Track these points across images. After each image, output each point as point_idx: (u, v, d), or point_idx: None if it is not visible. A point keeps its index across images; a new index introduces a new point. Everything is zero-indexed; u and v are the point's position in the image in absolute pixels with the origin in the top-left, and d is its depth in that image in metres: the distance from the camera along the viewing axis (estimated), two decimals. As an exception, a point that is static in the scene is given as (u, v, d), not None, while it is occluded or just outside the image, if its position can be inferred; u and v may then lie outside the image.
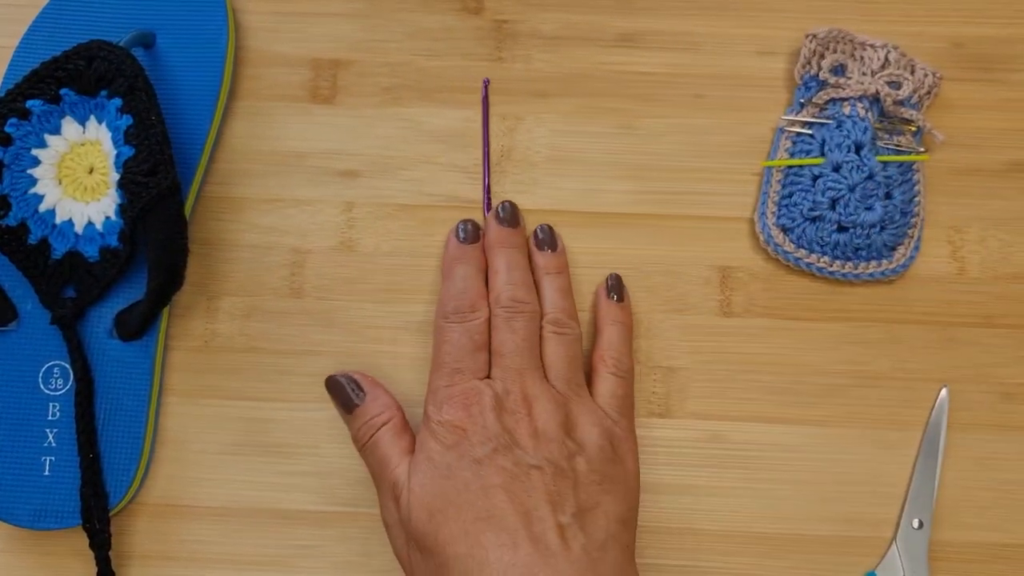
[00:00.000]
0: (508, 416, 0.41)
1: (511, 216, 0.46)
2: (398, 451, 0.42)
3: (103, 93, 0.45)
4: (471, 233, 0.46)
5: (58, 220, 0.45)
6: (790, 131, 0.49)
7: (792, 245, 0.47)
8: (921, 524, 0.44)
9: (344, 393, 0.44)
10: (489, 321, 0.43)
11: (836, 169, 0.47)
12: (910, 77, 0.48)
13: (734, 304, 0.47)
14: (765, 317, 0.47)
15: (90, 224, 0.45)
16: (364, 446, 0.43)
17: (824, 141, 0.47)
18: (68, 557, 0.44)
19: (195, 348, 0.47)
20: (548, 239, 0.46)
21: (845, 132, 0.47)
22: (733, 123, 0.49)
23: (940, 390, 0.46)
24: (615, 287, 0.46)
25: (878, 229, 0.46)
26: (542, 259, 0.46)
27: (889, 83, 0.48)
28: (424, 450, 0.41)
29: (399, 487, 0.41)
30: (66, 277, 0.45)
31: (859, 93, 0.48)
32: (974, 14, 0.51)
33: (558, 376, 0.43)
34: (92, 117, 0.45)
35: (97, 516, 0.43)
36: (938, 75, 0.48)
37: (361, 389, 0.44)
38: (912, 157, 0.48)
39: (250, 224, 0.48)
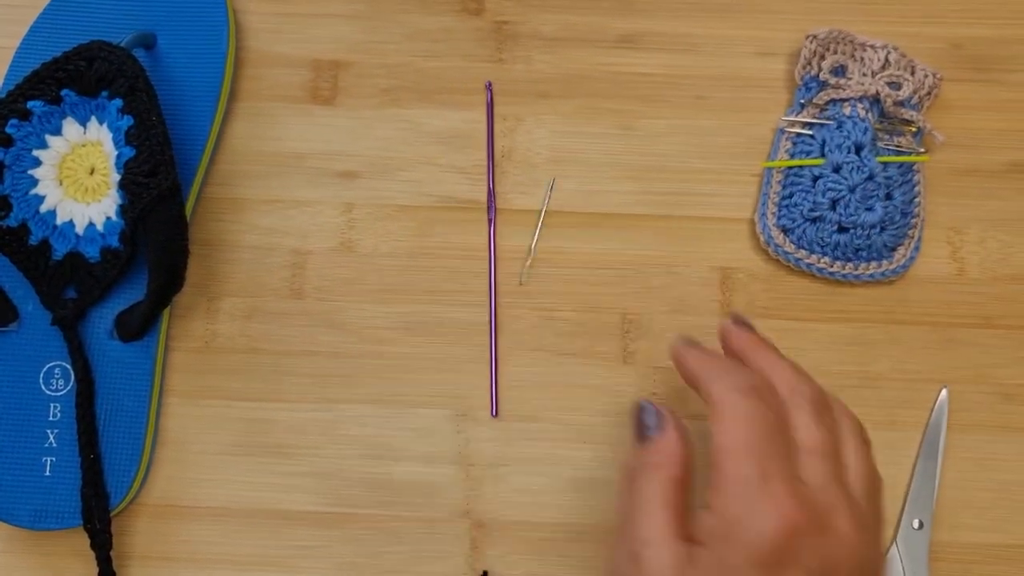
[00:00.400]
0: (821, 542, 0.33)
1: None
2: (662, 515, 0.35)
3: (104, 94, 0.45)
4: None
5: (59, 221, 0.45)
6: (790, 132, 0.49)
7: (792, 246, 0.47)
8: (921, 525, 0.44)
9: (640, 420, 0.38)
10: None
11: (836, 170, 0.47)
12: (910, 78, 0.48)
13: (735, 305, 0.47)
14: (765, 318, 0.47)
15: (91, 225, 0.45)
16: (631, 481, 0.37)
17: (824, 142, 0.47)
18: (69, 557, 0.44)
19: (196, 349, 0.47)
20: None
21: (845, 133, 0.47)
22: (733, 124, 0.49)
23: (940, 391, 0.46)
24: None
25: (878, 230, 0.46)
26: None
27: (889, 84, 0.48)
28: (726, 569, 0.33)
29: (644, 559, 0.34)
30: (67, 278, 0.45)
31: (859, 94, 0.48)
32: (972, 15, 0.51)
33: (860, 493, 0.36)
34: (93, 118, 0.45)
35: (98, 516, 0.43)
36: (938, 76, 0.48)
37: (660, 424, 0.37)
38: (912, 158, 0.48)
39: (250, 225, 0.48)
